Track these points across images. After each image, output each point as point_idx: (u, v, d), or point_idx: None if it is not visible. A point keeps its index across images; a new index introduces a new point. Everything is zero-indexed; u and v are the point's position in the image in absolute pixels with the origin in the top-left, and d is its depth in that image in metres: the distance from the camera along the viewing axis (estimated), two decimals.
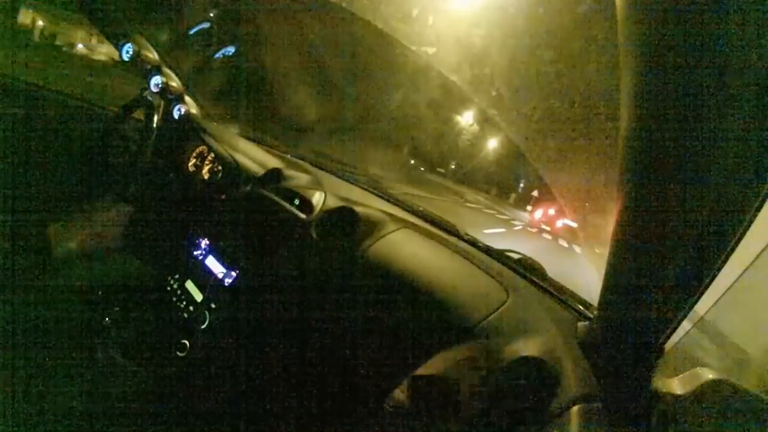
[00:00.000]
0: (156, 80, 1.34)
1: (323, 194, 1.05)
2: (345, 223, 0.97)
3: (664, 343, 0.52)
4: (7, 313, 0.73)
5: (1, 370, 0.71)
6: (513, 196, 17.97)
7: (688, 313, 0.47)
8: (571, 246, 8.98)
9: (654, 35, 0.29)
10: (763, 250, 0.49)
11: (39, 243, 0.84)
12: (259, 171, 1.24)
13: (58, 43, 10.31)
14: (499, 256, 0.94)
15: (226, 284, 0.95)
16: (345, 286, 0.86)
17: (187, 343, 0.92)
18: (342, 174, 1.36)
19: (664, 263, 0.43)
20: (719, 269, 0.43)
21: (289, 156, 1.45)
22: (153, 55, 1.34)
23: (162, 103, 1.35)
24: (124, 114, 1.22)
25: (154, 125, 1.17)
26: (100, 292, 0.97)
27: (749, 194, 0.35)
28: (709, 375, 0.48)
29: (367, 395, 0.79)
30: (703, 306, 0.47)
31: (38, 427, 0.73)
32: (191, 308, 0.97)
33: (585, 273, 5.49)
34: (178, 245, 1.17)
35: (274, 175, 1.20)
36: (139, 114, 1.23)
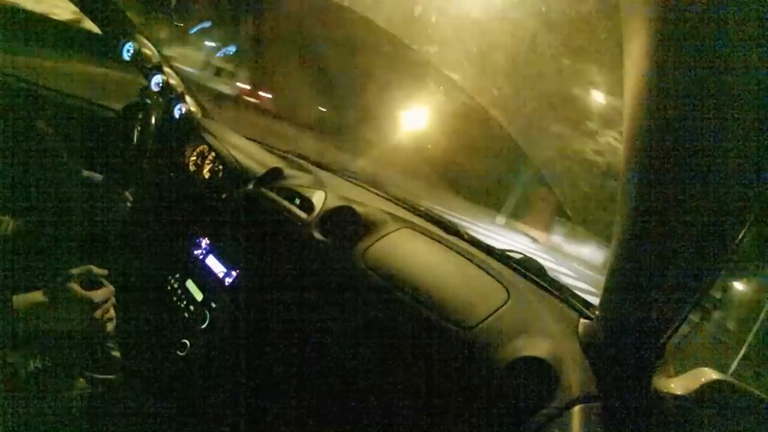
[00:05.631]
0: (157, 79, 1.34)
1: (324, 194, 1.05)
2: (346, 222, 0.97)
3: (664, 343, 0.52)
4: (7, 313, 0.72)
5: (1, 370, 0.71)
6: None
7: (688, 313, 0.47)
8: None
9: (656, 35, 0.29)
10: None
11: (39, 243, 0.84)
12: (260, 170, 1.24)
13: None
14: (500, 255, 0.94)
15: (226, 284, 0.95)
16: (345, 286, 0.86)
17: (187, 342, 0.92)
18: (343, 173, 1.36)
19: (665, 263, 0.43)
20: (719, 269, 0.43)
21: (289, 155, 1.45)
22: (154, 54, 1.34)
23: (162, 102, 1.35)
24: (125, 114, 1.22)
25: (155, 125, 1.17)
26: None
27: (749, 194, 0.35)
28: (710, 375, 0.48)
29: (367, 395, 0.79)
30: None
31: (38, 427, 0.73)
32: (191, 308, 0.97)
33: None
34: (178, 245, 1.17)
35: (275, 174, 1.20)
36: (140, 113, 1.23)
